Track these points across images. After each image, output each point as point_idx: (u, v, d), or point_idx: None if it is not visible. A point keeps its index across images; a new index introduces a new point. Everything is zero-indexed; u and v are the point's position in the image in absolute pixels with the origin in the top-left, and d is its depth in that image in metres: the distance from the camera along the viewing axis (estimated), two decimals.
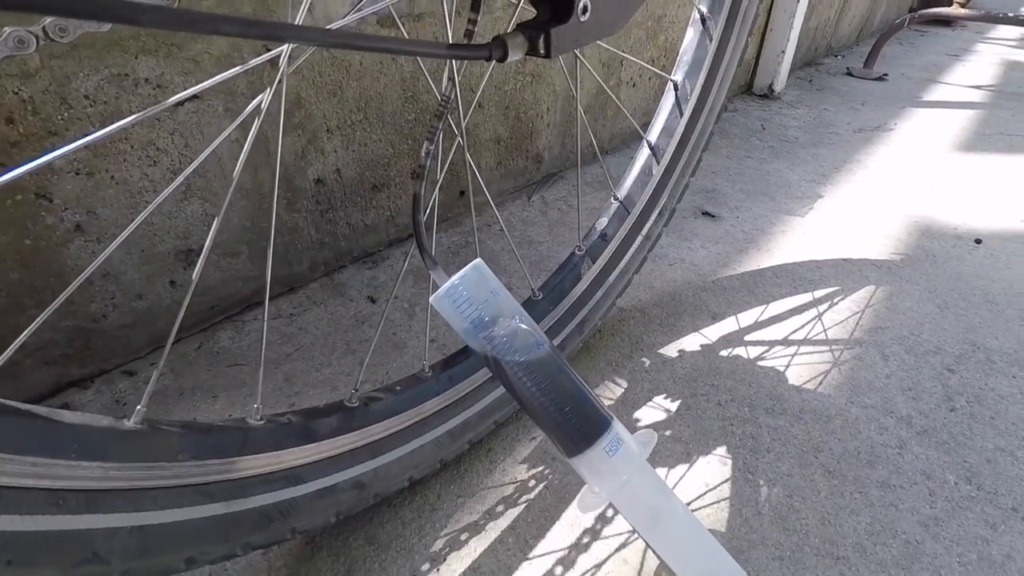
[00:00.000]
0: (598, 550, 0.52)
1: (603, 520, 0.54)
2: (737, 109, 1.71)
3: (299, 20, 0.35)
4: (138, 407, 0.35)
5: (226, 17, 0.21)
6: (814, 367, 0.74)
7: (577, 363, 0.72)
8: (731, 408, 0.67)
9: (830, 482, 0.59)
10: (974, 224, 1.11)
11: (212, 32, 0.20)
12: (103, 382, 0.68)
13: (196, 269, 0.35)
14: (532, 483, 0.58)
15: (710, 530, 0.53)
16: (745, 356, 0.75)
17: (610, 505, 0.49)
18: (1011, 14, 2.06)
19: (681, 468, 0.60)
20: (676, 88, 0.70)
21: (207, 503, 0.38)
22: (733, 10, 0.67)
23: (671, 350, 0.76)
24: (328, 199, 0.84)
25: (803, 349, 0.77)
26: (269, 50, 0.39)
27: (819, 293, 0.89)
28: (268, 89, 0.33)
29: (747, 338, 0.79)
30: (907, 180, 1.29)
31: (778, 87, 1.80)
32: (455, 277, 0.38)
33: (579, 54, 0.51)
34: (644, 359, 0.74)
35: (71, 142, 0.29)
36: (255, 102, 0.34)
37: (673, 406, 0.67)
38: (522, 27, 0.33)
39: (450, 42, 0.30)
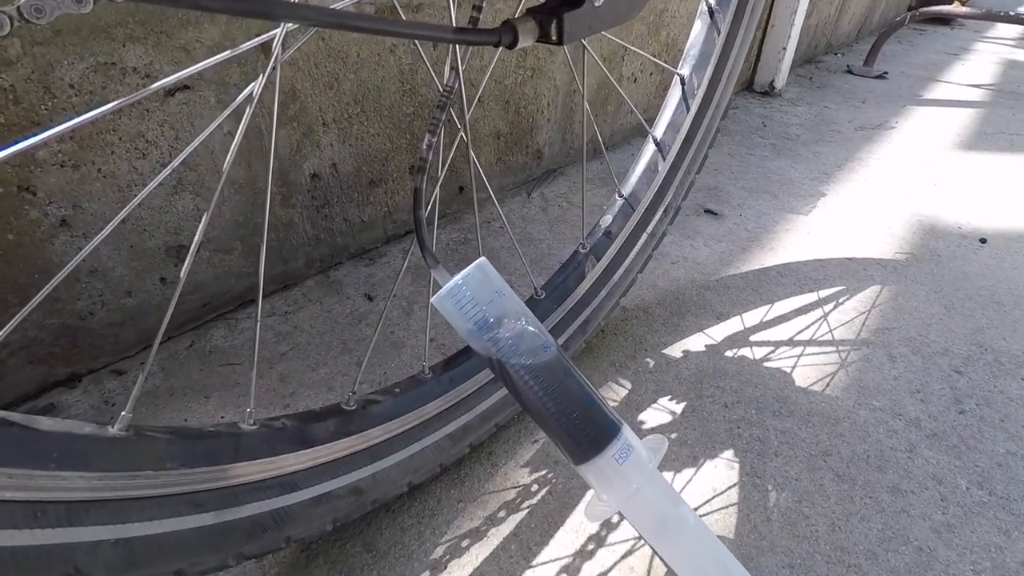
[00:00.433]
0: (604, 557, 0.50)
1: (608, 526, 0.53)
2: (738, 106, 1.69)
3: None
4: (123, 413, 0.33)
5: None
6: (821, 368, 0.72)
7: (580, 364, 0.71)
8: (738, 410, 0.66)
9: (840, 487, 0.58)
10: (978, 223, 1.10)
11: (193, 7, 0.18)
12: (91, 381, 0.66)
13: (184, 266, 0.33)
14: (535, 487, 0.56)
15: (719, 537, 0.51)
16: (751, 357, 0.74)
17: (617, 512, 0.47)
18: (1011, 12, 2.06)
19: (688, 472, 0.58)
20: (683, 83, 0.69)
21: (197, 513, 0.36)
22: (742, 3, 0.66)
23: (675, 350, 0.74)
24: (324, 194, 0.82)
25: (809, 350, 0.75)
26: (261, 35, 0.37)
27: (824, 293, 0.87)
28: (260, 76, 0.31)
29: (752, 338, 0.77)
30: (910, 178, 1.28)
31: (779, 84, 1.79)
32: (458, 276, 0.36)
33: (587, 46, 0.49)
34: (648, 360, 0.73)
35: (46, 131, 0.27)
36: (247, 91, 0.32)
37: (679, 408, 0.66)
38: (533, 12, 0.31)
39: (455, 27, 0.29)
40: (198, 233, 0.34)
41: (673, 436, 0.62)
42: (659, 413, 0.65)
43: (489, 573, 0.49)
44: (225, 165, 0.34)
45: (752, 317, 0.81)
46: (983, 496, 0.57)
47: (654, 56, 1.33)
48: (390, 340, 0.74)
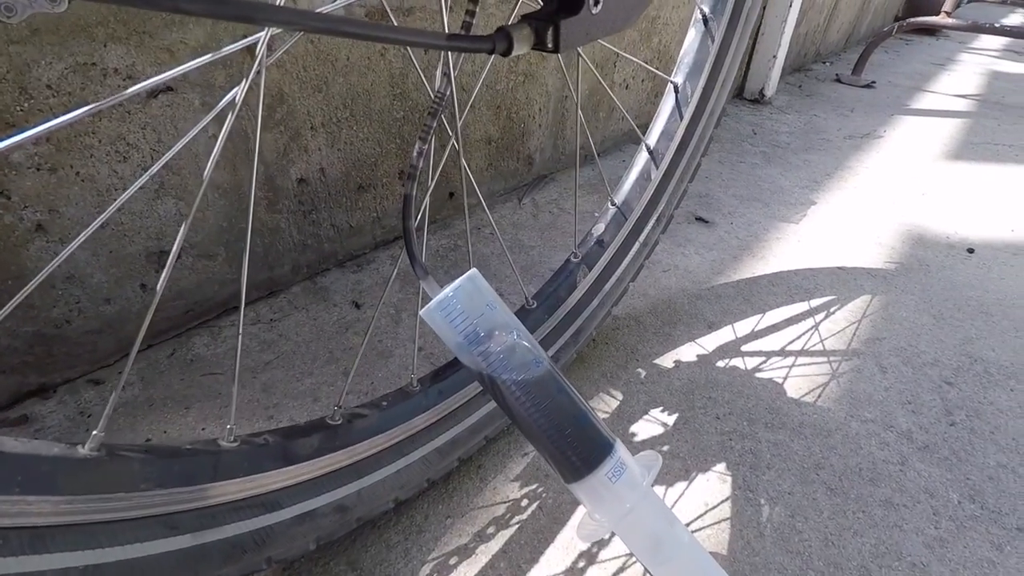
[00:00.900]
0: (595, 575, 0.49)
1: (599, 543, 0.52)
2: (728, 113, 1.70)
3: (280, 1, 0.32)
4: (93, 432, 0.31)
5: None
6: (812, 379, 0.72)
7: (570, 374, 0.70)
8: (729, 422, 0.65)
9: (832, 501, 0.57)
10: (965, 233, 1.11)
11: (171, 9, 0.17)
12: (67, 391, 0.64)
13: (164, 272, 0.32)
14: (525, 502, 0.55)
15: (712, 554, 0.50)
16: (742, 367, 0.73)
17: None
18: (995, 24, 2.09)
19: (680, 486, 0.57)
20: (677, 90, 0.68)
21: (173, 535, 0.35)
22: (736, 11, 0.65)
23: (667, 360, 0.74)
24: (311, 199, 0.80)
25: (801, 360, 0.75)
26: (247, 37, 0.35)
27: (815, 302, 0.87)
28: (244, 80, 0.30)
29: (744, 348, 0.77)
30: (898, 188, 1.28)
31: (769, 92, 1.80)
32: (448, 288, 0.35)
33: (581, 51, 0.48)
34: (640, 370, 0.72)
35: (21, 132, 0.26)
36: (230, 95, 0.31)
37: (670, 420, 0.65)
38: (528, 18, 0.30)
39: (449, 33, 0.27)
40: (178, 239, 0.33)
41: (665, 449, 0.61)
42: (651, 425, 0.64)
43: None
44: (206, 169, 0.33)
45: (743, 327, 0.81)
46: (975, 510, 0.57)
47: (647, 63, 1.33)
48: (378, 349, 0.73)
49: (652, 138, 0.70)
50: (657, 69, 1.37)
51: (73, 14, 0.52)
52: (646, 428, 0.64)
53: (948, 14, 2.04)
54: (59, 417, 0.61)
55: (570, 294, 0.64)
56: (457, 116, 0.44)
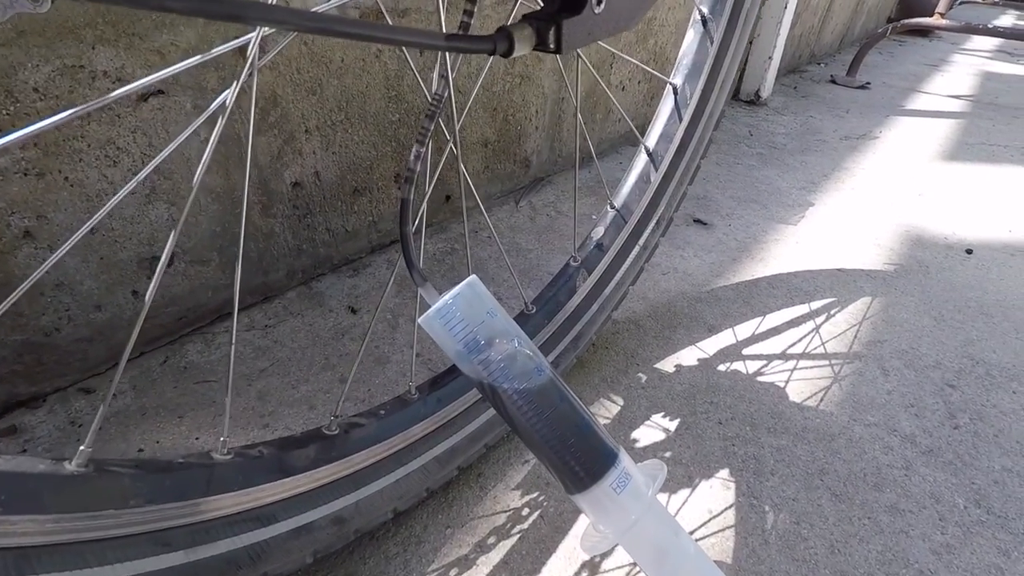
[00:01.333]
0: None
1: (603, 553, 0.51)
2: (725, 114, 1.69)
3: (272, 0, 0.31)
4: (81, 447, 0.30)
5: None
6: (814, 383, 0.71)
7: (570, 380, 0.69)
8: (732, 427, 0.64)
9: (837, 507, 0.56)
10: (963, 234, 1.11)
11: (158, 8, 0.16)
12: (57, 401, 0.62)
13: (154, 278, 0.31)
14: (526, 511, 0.54)
15: (717, 562, 0.50)
16: (744, 371, 0.72)
17: None
18: (988, 25, 2.10)
19: (683, 493, 0.57)
20: (676, 92, 0.67)
21: (165, 552, 0.34)
22: (735, 12, 0.65)
23: (668, 365, 0.73)
24: (306, 203, 0.79)
25: (802, 364, 0.74)
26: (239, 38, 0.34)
27: (815, 305, 0.86)
28: (235, 83, 0.29)
29: (745, 352, 0.76)
30: (895, 189, 1.28)
31: (765, 93, 1.80)
32: (447, 295, 0.34)
33: (580, 53, 0.47)
34: (640, 375, 0.71)
35: (7, 136, 0.25)
36: (221, 97, 0.30)
37: (672, 425, 0.64)
38: (529, 18, 0.29)
39: (447, 33, 0.27)
40: (168, 245, 0.32)
41: (668, 455, 0.60)
42: (652, 431, 0.63)
43: None
44: (197, 174, 0.32)
45: (744, 330, 0.80)
46: (981, 515, 0.56)
47: (643, 64, 1.33)
48: (375, 355, 0.72)
49: (651, 140, 0.69)
50: (654, 70, 1.36)
51: (60, 16, 0.51)
52: (648, 434, 0.63)
53: (941, 15, 2.05)
54: (49, 427, 0.59)
55: (570, 298, 0.63)
56: (455, 119, 0.43)
